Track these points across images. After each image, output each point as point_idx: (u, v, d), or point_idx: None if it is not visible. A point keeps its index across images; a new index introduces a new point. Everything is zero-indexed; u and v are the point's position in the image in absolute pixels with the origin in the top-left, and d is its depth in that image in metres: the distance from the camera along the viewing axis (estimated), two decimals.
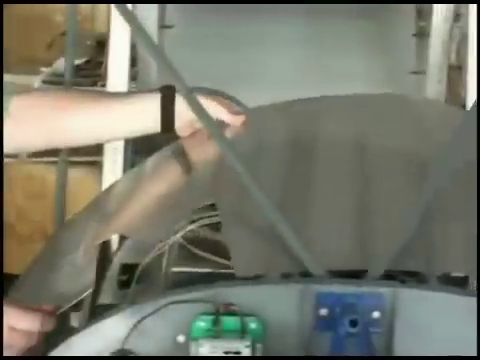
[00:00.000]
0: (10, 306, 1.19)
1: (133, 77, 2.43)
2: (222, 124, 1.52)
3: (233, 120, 1.52)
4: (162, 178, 1.54)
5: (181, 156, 1.54)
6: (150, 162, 1.63)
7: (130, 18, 1.31)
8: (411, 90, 2.62)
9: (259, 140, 1.54)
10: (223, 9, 2.67)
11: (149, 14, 2.49)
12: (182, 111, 1.48)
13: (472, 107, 1.09)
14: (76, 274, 1.34)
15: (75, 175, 3.26)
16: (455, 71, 2.54)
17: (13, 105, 1.54)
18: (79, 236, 1.44)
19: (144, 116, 1.53)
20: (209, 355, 1.01)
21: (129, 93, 1.63)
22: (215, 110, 1.49)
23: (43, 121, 1.57)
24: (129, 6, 2.19)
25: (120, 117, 1.54)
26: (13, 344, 1.18)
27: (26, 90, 1.87)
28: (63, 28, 4.50)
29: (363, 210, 1.25)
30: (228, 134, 1.47)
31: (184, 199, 1.33)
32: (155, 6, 2.47)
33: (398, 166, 1.40)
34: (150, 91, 1.57)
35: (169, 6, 2.65)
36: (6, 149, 1.59)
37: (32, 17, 3.92)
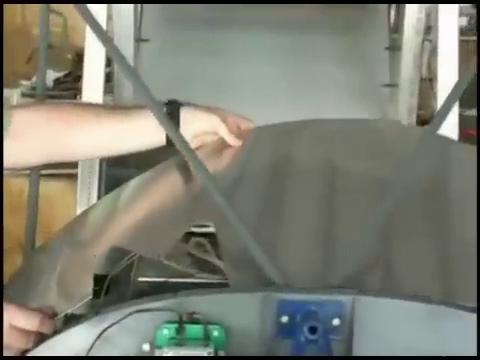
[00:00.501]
0: (10, 304, 1.18)
1: (110, 90, 2.46)
2: (222, 141, 1.56)
3: (232, 141, 1.55)
4: (159, 193, 1.56)
5: (179, 171, 1.57)
6: (138, 181, 1.65)
7: (100, 32, 1.34)
8: (384, 103, 2.66)
9: (246, 160, 1.58)
10: (199, 22, 2.70)
11: (125, 28, 2.52)
12: (187, 124, 1.52)
13: (428, 128, 1.13)
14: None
15: (54, 187, 3.28)
16: (427, 84, 2.58)
17: (14, 122, 1.53)
18: (54, 260, 1.46)
19: (149, 130, 1.53)
20: None
21: (133, 107, 1.61)
22: (217, 127, 1.54)
23: (44, 136, 1.57)
24: (104, 20, 2.23)
25: (124, 132, 1.55)
26: (11, 343, 1.16)
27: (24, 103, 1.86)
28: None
29: (329, 227, 1.30)
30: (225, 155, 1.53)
31: (183, 215, 1.36)
32: (131, 20, 2.50)
33: (364, 188, 1.44)
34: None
35: (145, 20, 2.67)
36: (6, 165, 1.57)
37: (11, 31, 3.93)
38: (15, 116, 1.54)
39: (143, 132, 1.55)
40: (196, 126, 1.55)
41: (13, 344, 1.16)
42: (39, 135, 1.55)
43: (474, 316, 1.04)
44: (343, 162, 1.56)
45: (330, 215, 1.33)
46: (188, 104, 1.59)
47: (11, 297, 1.31)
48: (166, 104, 1.55)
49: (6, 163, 1.56)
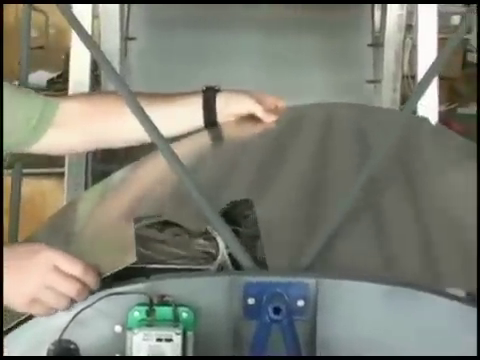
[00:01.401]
0: (56, 250, 1.14)
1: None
2: (255, 119, 1.63)
3: (266, 118, 1.63)
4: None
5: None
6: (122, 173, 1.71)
7: (84, 35, 1.38)
8: (368, 99, 2.71)
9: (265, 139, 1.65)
10: (186, 21, 2.74)
11: (111, 26, 2.56)
12: (224, 108, 1.63)
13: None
14: None
15: (46, 186, 3.33)
16: (409, 80, 2.62)
17: (60, 113, 1.63)
18: None
19: (189, 114, 1.65)
20: (143, 342, 1.08)
21: (172, 94, 1.70)
22: (251, 105, 1.63)
23: (88, 125, 1.65)
24: (89, 19, 2.27)
25: (166, 116, 1.61)
26: (54, 285, 1.11)
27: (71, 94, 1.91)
28: (36, 42, 4.58)
29: (309, 209, 1.34)
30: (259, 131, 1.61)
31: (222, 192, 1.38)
32: (117, 18, 2.54)
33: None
34: (193, 92, 1.68)
35: (133, 18, 2.72)
36: (50, 151, 1.69)
37: (4, 31, 3.97)
38: (60, 107, 1.64)
39: (181, 117, 1.65)
40: (233, 108, 1.65)
41: (56, 286, 1.12)
42: (83, 124, 1.64)
43: (433, 296, 1.08)
44: (338, 148, 1.61)
45: (313, 198, 1.38)
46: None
47: None
48: (204, 91, 1.65)
49: (50, 150, 1.70)
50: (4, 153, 1.67)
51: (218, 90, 1.66)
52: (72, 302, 1.12)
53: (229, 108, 1.64)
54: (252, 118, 1.66)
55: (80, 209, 1.71)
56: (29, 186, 2.95)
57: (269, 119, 1.63)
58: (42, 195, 3.38)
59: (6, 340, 1.13)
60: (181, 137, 1.66)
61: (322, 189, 1.39)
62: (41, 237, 1.57)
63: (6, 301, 1.13)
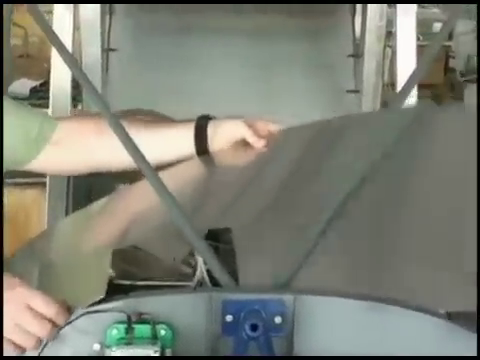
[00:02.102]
0: (30, 288, 1.15)
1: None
2: (246, 145, 1.64)
3: (256, 143, 1.64)
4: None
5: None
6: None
7: (59, 46, 1.39)
8: (349, 108, 2.72)
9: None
10: (168, 31, 2.74)
11: (92, 38, 2.56)
12: (216, 135, 1.64)
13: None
14: None
15: (29, 196, 3.32)
16: (389, 88, 2.64)
17: (58, 130, 1.64)
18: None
19: (180, 140, 1.66)
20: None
21: (166, 122, 1.75)
22: (242, 131, 1.64)
23: (83, 146, 1.66)
24: (70, 30, 2.26)
25: (157, 141, 1.65)
26: (24, 325, 1.11)
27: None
28: (19, 51, 4.58)
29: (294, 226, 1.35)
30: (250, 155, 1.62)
31: (199, 220, 1.38)
32: (98, 29, 2.54)
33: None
34: (186, 120, 1.70)
35: (114, 30, 2.72)
36: (49, 170, 1.70)
37: None
38: (59, 125, 1.65)
39: (172, 143, 1.66)
40: (224, 134, 1.65)
41: (26, 326, 1.12)
42: (79, 145, 1.64)
43: (408, 311, 1.10)
44: (330, 163, 1.62)
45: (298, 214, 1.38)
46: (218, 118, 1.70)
47: None
48: (198, 119, 1.67)
49: (48, 168, 1.71)
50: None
51: (210, 118, 1.68)
52: (40, 342, 1.13)
53: (220, 134, 1.65)
54: (244, 144, 1.66)
55: (60, 236, 1.71)
56: (11, 196, 2.95)
57: (259, 144, 1.64)
58: (26, 205, 3.37)
59: None
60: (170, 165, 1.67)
61: (301, 208, 1.40)
62: (19, 261, 1.57)
63: None
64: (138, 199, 1.60)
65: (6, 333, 1.12)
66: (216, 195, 1.53)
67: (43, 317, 1.13)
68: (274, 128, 1.71)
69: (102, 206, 1.68)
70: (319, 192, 1.42)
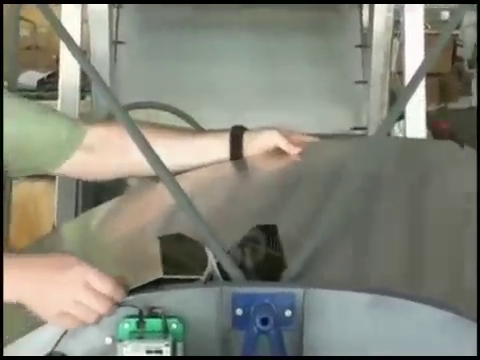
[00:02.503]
0: (87, 266, 1.16)
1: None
2: (281, 152, 1.66)
3: (290, 149, 1.66)
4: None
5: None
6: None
7: (67, 39, 1.39)
8: (357, 99, 2.72)
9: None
10: (175, 25, 2.74)
11: (100, 31, 2.56)
12: (251, 142, 1.68)
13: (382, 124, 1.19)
14: None
15: (39, 187, 3.34)
16: (396, 76, 2.63)
17: (88, 136, 1.65)
18: None
19: (216, 147, 1.69)
20: (132, 355, 1.09)
21: (201, 131, 1.82)
22: (276, 139, 1.67)
23: (115, 152, 1.66)
24: (78, 24, 2.26)
25: (195, 153, 1.68)
26: (83, 300, 1.13)
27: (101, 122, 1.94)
28: (27, 43, 4.57)
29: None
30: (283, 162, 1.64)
31: (243, 218, 1.39)
32: (106, 23, 2.53)
33: None
34: (221, 130, 1.73)
35: (122, 23, 2.72)
36: (77, 177, 1.74)
37: None
38: (89, 131, 1.66)
39: (208, 150, 1.69)
40: (259, 142, 1.69)
41: (87, 303, 1.14)
42: (110, 150, 1.65)
43: (418, 305, 1.10)
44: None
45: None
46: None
47: None
48: (232, 129, 1.70)
49: (76, 172, 1.71)
50: (31, 172, 1.69)
51: (245, 128, 1.71)
52: (101, 317, 1.14)
53: (255, 142, 1.68)
54: (278, 152, 1.68)
55: (80, 228, 1.72)
56: (21, 188, 2.96)
57: (293, 151, 1.66)
58: (35, 196, 3.39)
59: (11, 346, 1.15)
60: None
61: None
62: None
63: (37, 312, 1.15)
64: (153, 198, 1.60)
65: (65, 308, 1.13)
66: (259, 194, 1.54)
67: (102, 295, 1.14)
68: (308, 139, 1.73)
69: (118, 204, 1.69)
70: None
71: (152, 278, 1.15)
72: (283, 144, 1.66)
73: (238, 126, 1.70)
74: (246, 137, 1.68)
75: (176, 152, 1.66)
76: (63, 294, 1.15)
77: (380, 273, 1.20)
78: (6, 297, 1.16)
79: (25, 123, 1.60)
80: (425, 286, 1.18)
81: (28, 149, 1.60)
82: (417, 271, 1.20)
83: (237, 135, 1.68)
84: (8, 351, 1.15)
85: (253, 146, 1.68)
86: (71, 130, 1.64)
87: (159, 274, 1.16)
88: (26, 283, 1.17)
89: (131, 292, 1.15)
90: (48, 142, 1.62)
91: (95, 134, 1.67)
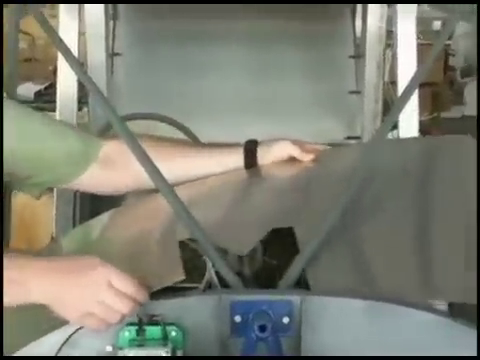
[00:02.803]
0: (111, 268, 1.17)
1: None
2: (294, 159, 1.66)
3: (303, 157, 1.66)
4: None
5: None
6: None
7: (65, 51, 1.40)
8: (351, 109, 2.72)
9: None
10: (170, 36, 2.75)
11: (97, 43, 2.57)
12: (265, 154, 1.67)
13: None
14: None
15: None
16: (389, 86, 2.64)
17: (103, 150, 1.65)
18: None
19: (232, 159, 1.68)
20: None
21: (216, 144, 1.77)
22: (289, 148, 1.67)
23: (131, 165, 1.55)
24: (75, 36, 2.27)
25: (212, 160, 1.69)
26: (108, 302, 1.14)
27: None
28: (25, 55, 4.58)
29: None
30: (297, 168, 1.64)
31: (264, 218, 1.39)
32: (103, 35, 2.54)
33: None
34: (235, 144, 1.72)
35: (118, 35, 2.73)
36: (94, 190, 1.70)
37: None
38: (104, 145, 1.66)
39: (224, 162, 1.69)
40: (273, 152, 1.68)
41: (110, 304, 1.14)
42: (126, 163, 1.61)
43: (413, 310, 1.12)
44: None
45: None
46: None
47: None
48: (246, 143, 1.69)
49: (91, 186, 1.70)
50: (49, 186, 1.69)
51: (257, 142, 1.70)
52: (124, 317, 1.15)
53: (270, 152, 1.68)
54: (291, 161, 1.68)
55: (92, 233, 1.72)
56: (19, 197, 2.96)
57: (306, 158, 1.66)
58: (31, 204, 3.38)
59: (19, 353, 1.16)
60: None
61: None
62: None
63: (60, 313, 1.16)
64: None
65: (89, 308, 1.15)
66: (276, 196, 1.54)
67: (125, 295, 1.15)
68: (320, 147, 1.73)
69: (118, 213, 1.70)
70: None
71: (176, 279, 1.16)
72: (297, 153, 1.66)
73: (252, 140, 1.70)
74: (260, 150, 1.68)
75: (191, 168, 1.68)
76: (87, 295, 1.16)
77: (380, 279, 1.21)
78: (30, 299, 1.17)
79: (43, 139, 1.60)
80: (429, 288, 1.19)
81: (46, 164, 1.60)
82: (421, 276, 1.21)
83: (251, 149, 1.68)
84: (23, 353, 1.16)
85: (268, 158, 1.68)
86: (86, 144, 1.65)
87: (181, 276, 1.17)
88: (50, 285, 1.17)
89: (153, 294, 1.16)
90: (65, 156, 1.62)
91: (110, 148, 1.67)
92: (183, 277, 1.17)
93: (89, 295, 1.15)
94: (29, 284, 1.18)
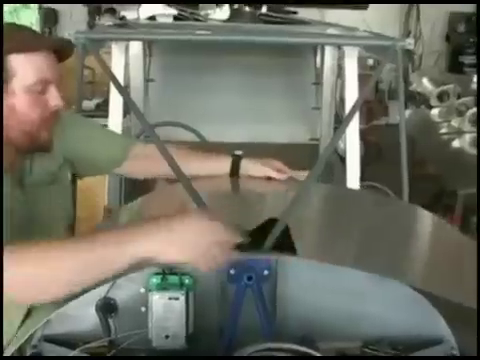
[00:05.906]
0: (214, 222, 1.00)
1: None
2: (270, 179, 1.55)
3: (279, 177, 1.55)
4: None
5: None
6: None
7: (114, 80, 1.36)
8: (313, 120, 2.71)
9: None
10: (188, 68, 2.72)
11: (137, 71, 2.53)
12: (245, 169, 1.56)
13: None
14: None
15: (93, 179, 3.26)
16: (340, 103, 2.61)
17: (132, 149, 1.57)
18: None
19: (220, 167, 1.58)
20: (159, 300, 1.06)
21: (209, 151, 1.65)
22: (265, 169, 1.55)
23: (153, 162, 1.52)
24: (122, 66, 2.21)
25: (203, 165, 1.57)
26: (214, 252, 0.99)
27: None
28: (89, 78, 4.50)
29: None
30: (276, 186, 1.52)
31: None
32: (141, 66, 2.50)
33: None
34: (224, 154, 1.60)
35: (152, 66, 2.68)
36: (131, 176, 1.62)
37: (69, 69, 3.91)
38: (133, 147, 1.59)
39: (213, 169, 1.58)
40: (252, 170, 1.57)
41: (215, 255, 0.99)
42: (149, 159, 1.54)
43: (378, 277, 1.06)
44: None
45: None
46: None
47: None
48: (232, 155, 1.58)
49: (131, 174, 1.63)
50: (95, 174, 1.60)
51: (241, 157, 1.58)
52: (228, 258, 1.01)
53: (249, 169, 1.56)
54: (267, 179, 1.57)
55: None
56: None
57: (280, 177, 1.55)
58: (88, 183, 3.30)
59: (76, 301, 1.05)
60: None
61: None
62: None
63: (178, 259, 1.00)
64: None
65: (205, 249, 0.99)
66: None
67: (227, 245, 1.01)
68: (299, 174, 1.57)
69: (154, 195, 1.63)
70: None
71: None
72: (272, 174, 1.55)
73: (237, 155, 1.58)
74: (243, 165, 1.57)
75: (192, 167, 1.54)
76: (199, 237, 0.99)
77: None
78: (125, 261, 0.98)
79: (94, 140, 1.53)
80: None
81: (95, 158, 1.52)
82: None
83: (236, 161, 1.57)
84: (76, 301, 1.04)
85: (248, 173, 1.56)
86: (122, 145, 1.58)
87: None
88: (153, 240, 0.98)
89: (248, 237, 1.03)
90: (107, 153, 1.56)
91: (138, 148, 1.60)
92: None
93: (201, 238, 0.98)
94: (124, 247, 0.97)
